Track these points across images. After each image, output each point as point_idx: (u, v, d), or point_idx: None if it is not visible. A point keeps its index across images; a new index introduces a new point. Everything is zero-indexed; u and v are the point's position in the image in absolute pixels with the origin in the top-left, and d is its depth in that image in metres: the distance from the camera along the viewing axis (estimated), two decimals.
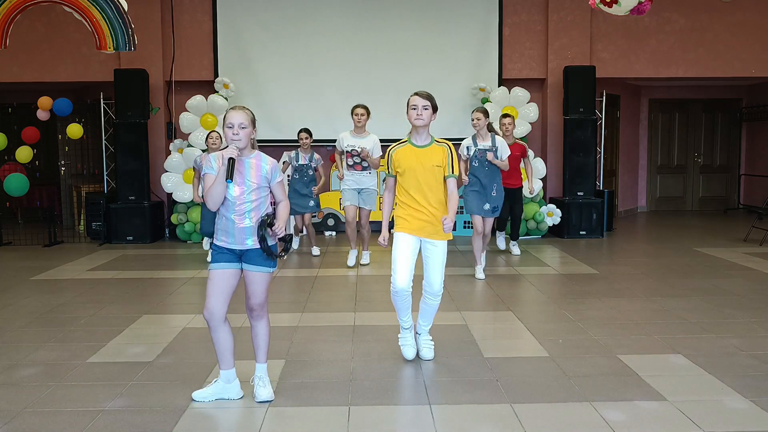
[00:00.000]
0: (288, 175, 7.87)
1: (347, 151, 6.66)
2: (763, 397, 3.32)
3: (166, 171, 8.80)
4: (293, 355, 4.06)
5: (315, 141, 9.55)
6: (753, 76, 9.99)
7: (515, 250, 7.60)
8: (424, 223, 3.76)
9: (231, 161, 3.15)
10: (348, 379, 3.65)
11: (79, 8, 6.42)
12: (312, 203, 7.43)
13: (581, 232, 8.95)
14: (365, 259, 6.97)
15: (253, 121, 3.28)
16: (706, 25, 9.77)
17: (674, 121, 12.41)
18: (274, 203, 3.36)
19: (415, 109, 3.75)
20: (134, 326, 4.76)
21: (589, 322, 4.77)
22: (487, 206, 6.17)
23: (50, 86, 9.82)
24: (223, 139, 5.23)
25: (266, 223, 3.20)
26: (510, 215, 7.46)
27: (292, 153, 7.56)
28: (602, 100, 9.55)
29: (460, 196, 5.98)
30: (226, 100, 9.20)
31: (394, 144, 3.91)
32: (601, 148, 9.62)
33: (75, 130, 8.55)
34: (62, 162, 10.66)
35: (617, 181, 11.36)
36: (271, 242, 3.25)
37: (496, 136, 6.30)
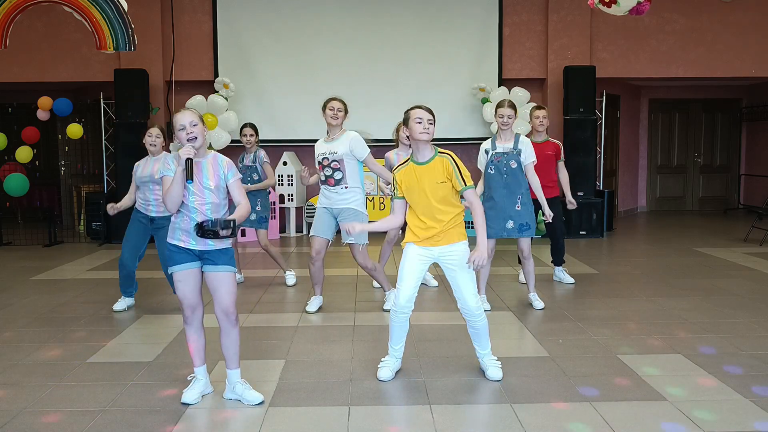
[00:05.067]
0: None
1: (319, 162, 4.92)
2: (763, 397, 3.32)
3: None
4: (293, 355, 4.06)
5: (314, 141, 9.55)
6: (753, 76, 9.99)
7: (565, 278, 6.07)
8: (438, 236, 3.48)
9: (189, 161, 3.11)
10: (348, 379, 3.65)
11: (79, 8, 6.42)
12: (253, 215, 5.89)
13: (581, 232, 8.95)
14: (389, 303, 5.13)
15: (202, 119, 3.24)
16: (706, 25, 9.78)
17: (674, 121, 12.41)
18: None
19: (420, 122, 3.44)
20: (134, 326, 4.75)
21: (589, 322, 4.77)
22: (510, 224, 4.85)
23: (50, 86, 9.83)
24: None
25: (223, 225, 3.10)
26: (549, 236, 5.91)
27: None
28: (602, 100, 9.56)
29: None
30: (226, 100, 9.20)
31: (398, 164, 3.62)
32: (601, 148, 9.62)
33: (75, 130, 8.55)
34: (62, 162, 10.67)
35: (617, 181, 11.36)
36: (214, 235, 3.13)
37: (521, 136, 5.00)
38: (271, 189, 6.07)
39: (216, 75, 9.51)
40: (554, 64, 9.62)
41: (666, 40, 9.80)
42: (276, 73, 9.66)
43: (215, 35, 9.60)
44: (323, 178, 4.90)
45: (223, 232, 3.10)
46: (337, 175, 4.85)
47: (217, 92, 9.24)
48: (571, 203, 5.89)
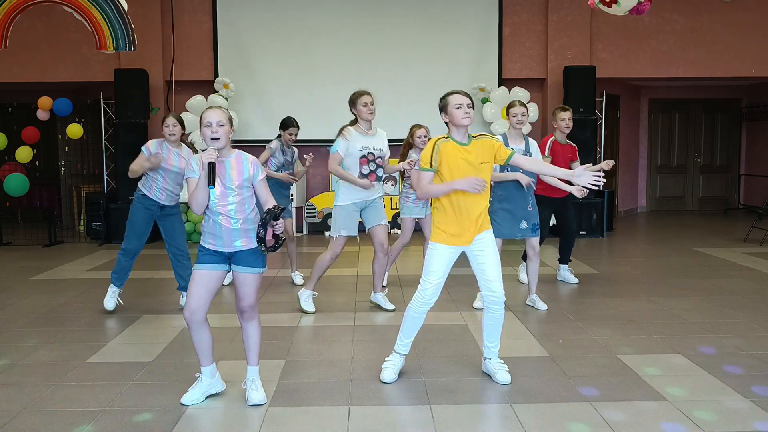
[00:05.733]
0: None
1: (363, 156, 4.87)
2: (763, 397, 3.32)
3: None
4: (293, 355, 4.06)
5: (314, 141, 9.59)
6: (753, 76, 9.99)
7: (570, 277, 6.11)
8: (468, 231, 3.45)
9: (211, 166, 3.09)
10: (348, 379, 3.65)
11: (79, 8, 6.41)
12: (290, 206, 6.00)
13: (581, 232, 8.94)
14: (387, 303, 5.19)
15: (231, 120, 3.23)
16: (706, 25, 9.78)
17: (674, 121, 12.41)
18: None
19: (459, 107, 3.43)
20: (134, 326, 4.75)
21: (589, 322, 4.77)
22: (524, 224, 4.94)
23: (50, 86, 9.83)
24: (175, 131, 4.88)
25: (271, 215, 3.11)
26: (561, 232, 6.08)
27: (277, 144, 5.97)
28: (602, 100, 9.56)
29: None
30: (226, 100, 9.21)
31: (437, 137, 3.51)
32: (601, 148, 9.62)
33: (75, 130, 8.55)
34: (62, 162, 10.67)
35: (617, 181, 11.36)
36: (267, 235, 3.17)
37: (530, 139, 5.09)
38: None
39: (216, 75, 9.51)
40: (554, 64, 9.62)
41: (666, 40, 9.80)
42: (276, 73, 9.66)
43: (215, 35, 9.60)
44: (366, 172, 4.88)
45: (277, 228, 3.13)
46: (380, 172, 4.94)
47: (217, 92, 9.24)
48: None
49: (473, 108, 3.51)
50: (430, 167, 3.44)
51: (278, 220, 3.12)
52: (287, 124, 6.02)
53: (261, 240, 3.11)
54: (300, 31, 9.64)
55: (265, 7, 9.60)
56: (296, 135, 6.04)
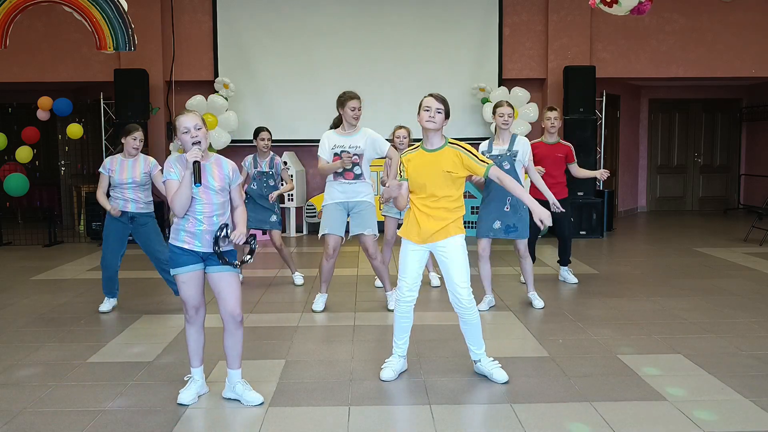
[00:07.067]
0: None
1: (336, 154, 4.89)
2: (763, 397, 3.32)
3: None
4: (293, 355, 4.06)
5: (315, 141, 9.58)
6: (753, 76, 9.99)
7: (570, 278, 6.09)
8: (433, 228, 3.48)
9: (197, 164, 3.11)
10: (348, 379, 3.65)
11: (79, 8, 6.41)
12: (274, 217, 5.98)
13: (581, 232, 8.94)
14: (391, 303, 5.13)
15: (204, 121, 3.23)
16: (706, 25, 9.78)
17: (674, 121, 12.41)
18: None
19: (428, 110, 3.47)
20: (134, 326, 4.76)
21: (589, 322, 4.77)
22: (497, 224, 4.92)
23: (50, 86, 9.83)
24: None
25: (221, 236, 3.16)
26: (557, 236, 6.07)
27: (248, 159, 6.05)
28: (602, 100, 9.55)
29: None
30: (226, 100, 9.21)
31: (408, 148, 3.69)
32: (601, 148, 9.62)
33: (75, 130, 8.55)
34: (62, 162, 10.66)
35: (617, 181, 11.36)
36: (228, 248, 3.21)
37: (518, 136, 5.00)
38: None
39: (216, 75, 9.51)
40: (554, 64, 9.62)
41: (666, 40, 9.80)
42: (276, 73, 9.66)
43: (215, 35, 9.60)
44: (339, 171, 4.90)
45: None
46: (357, 170, 4.92)
47: (217, 92, 9.24)
48: (603, 174, 5.97)
49: (444, 116, 3.50)
50: (401, 176, 3.57)
51: (228, 237, 3.18)
52: (257, 131, 6.04)
53: (226, 263, 3.18)
54: (300, 31, 9.64)
55: (265, 7, 9.60)
56: (269, 138, 6.03)
